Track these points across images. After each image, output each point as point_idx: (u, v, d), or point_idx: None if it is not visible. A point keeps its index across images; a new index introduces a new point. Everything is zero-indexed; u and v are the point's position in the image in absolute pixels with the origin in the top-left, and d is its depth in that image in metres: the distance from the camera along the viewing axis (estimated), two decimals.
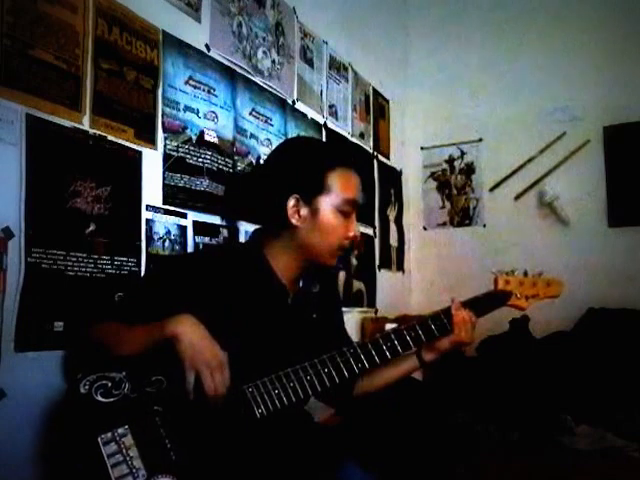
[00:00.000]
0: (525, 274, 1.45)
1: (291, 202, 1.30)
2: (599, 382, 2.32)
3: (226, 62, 1.92)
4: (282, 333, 1.30)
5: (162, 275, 1.31)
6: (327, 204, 1.30)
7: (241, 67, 1.99)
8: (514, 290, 1.43)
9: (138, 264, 1.54)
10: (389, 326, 2.62)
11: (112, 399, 1.07)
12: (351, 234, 1.34)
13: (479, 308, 1.40)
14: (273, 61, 2.17)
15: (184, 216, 1.71)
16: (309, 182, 1.31)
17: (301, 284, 1.40)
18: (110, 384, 1.08)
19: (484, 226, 3.21)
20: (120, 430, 1.05)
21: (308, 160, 1.36)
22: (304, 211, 1.30)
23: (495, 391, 2.42)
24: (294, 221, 1.30)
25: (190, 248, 1.71)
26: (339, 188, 1.31)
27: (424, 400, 2.35)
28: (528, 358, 2.49)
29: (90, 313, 1.29)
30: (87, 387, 1.06)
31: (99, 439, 1.03)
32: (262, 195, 1.39)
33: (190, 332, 1.12)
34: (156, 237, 1.60)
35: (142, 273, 1.55)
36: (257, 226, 1.48)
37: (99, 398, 1.06)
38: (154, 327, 1.13)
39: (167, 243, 1.63)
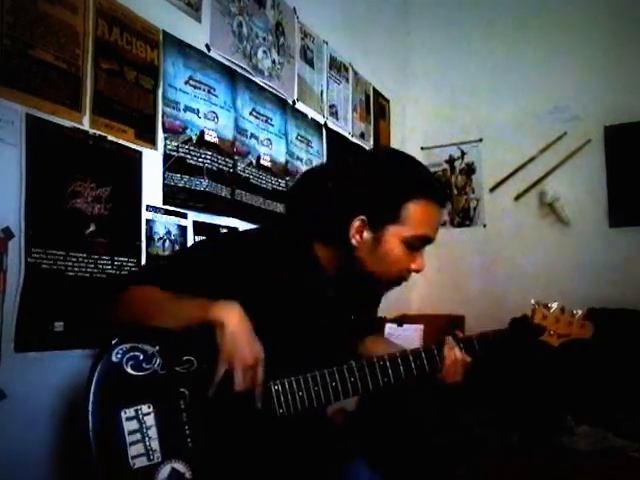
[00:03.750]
0: (562, 310, 1.41)
1: (357, 223, 1.21)
2: (600, 382, 2.32)
3: (226, 62, 1.92)
4: (322, 324, 1.26)
5: (208, 252, 1.25)
6: (395, 235, 1.20)
7: (241, 67, 1.99)
8: (549, 327, 1.40)
9: (138, 264, 1.54)
10: (389, 326, 2.62)
11: (141, 373, 1.06)
12: (413, 267, 1.24)
13: (509, 341, 1.39)
14: (273, 61, 2.17)
15: (184, 216, 1.71)
16: (382, 207, 1.20)
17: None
18: (142, 357, 1.06)
19: (484, 226, 3.20)
20: (144, 408, 1.04)
21: (390, 181, 1.22)
22: (367, 235, 1.21)
23: (495, 391, 2.42)
24: (354, 241, 1.22)
25: None
26: (414, 222, 1.20)
27: (424, 400, 2.35)
28: (528, 358, 2.49)
29: (130, 274, 1.26)
30: (119, 356, 1.05)
31: (122, 413, 1.03)
32: (329, 204, 1.25)
33: (235, 323, 1.08)
34: (156, 237, 1.60)
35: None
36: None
37: (129, 370, 1.05)
38: (200, 305, 1.10)
39: (167, 243, 1.63)
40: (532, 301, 1.41)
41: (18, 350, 1.24)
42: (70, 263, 1.35)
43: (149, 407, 1.05)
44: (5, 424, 1.21)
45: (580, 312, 1.43)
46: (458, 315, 2.97)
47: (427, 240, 1.24)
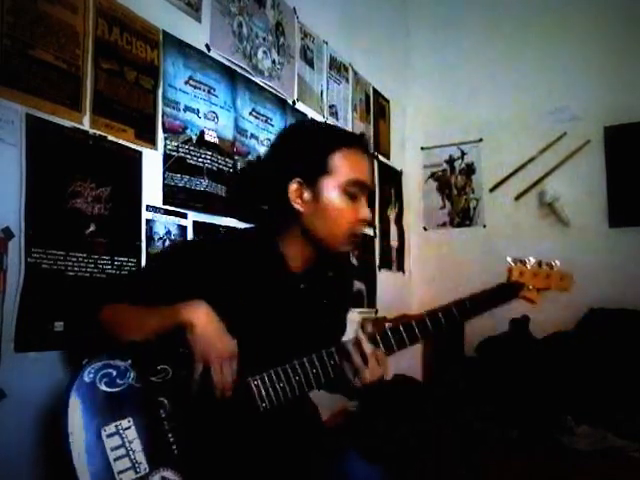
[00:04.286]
0: (539, 264, 1.39)
1: (293, 186, 1.26)
2: (599, 382, 2.32)
3: (226, 62, 1.91)
4: (292, 319, 1.28)
5: (175, 258, 1.29)
6: (331, 186, 1.25)
7: (241, 67, 1.99)
8: (527, 282, 1.37)
9: (138, 264, 1.54)
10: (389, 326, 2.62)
11: (116, 389, 1.06)
12: (361, 217, 1.27)
13: (488, 302, 1.35)
14: (273, 61, 2.17)
15: (184, 216, 1.70)
16: (311, 164, 1.26)
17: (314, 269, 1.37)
18: (115, 373, 1.07)
19: (484, 226, 3.20)
20: (123, 423, 1.04)
21: (310, 141, 1.31)
22: (307, 195, 1.26)
23: (495, 392, 2.42)
24: (297, 206, 1.26)
25: None
26: (343, 169, 1.26)
27: (424, 399, 2.35)
28: (528, 358, 2.49)
29: (102, 293, 1.26)
30: (92, 375, 1.05)
31: (102, 431, 1.02)
32: (265, 182, 1.35)
33: (204, 321, 1.10)
34: (156, 237, 1.60)
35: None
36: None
37: (103, 387, 1.05)
38: (167, 312, 1.12)
39: (167, 243, 1.63)
40: (508, 259, 1.38)
41: (18, 350, 1.24)
42: (70, 263, 1.35)
43: (129, 421, 1.05)
44: (5, 424, 1.21)
45: (558, 263, 1.40)
46: None
47: (362, 185, 1.28)
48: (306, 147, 1.30)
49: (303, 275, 1.33)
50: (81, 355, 1.10)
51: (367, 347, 1.21)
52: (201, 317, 1.11)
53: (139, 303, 1.15)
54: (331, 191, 1.26)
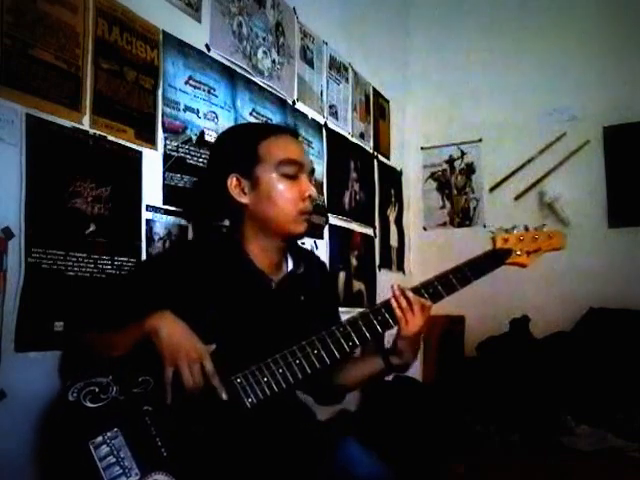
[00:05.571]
0: (526, 229, 1.40)
1: (232, 182, 1.31)
2: (599, 382, 2.32)
3: (226, 62, 1.91)
4: (268, 320, 1.29)
5: (143, 277, 1.32)
6: (266, 171, 1.30)
7: (241, 67, 1.99)
8: (513, 247, 1.38)
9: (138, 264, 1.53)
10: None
11: (101, 404, 1.08)
12: (305, 194, 1.31)
13: (477, 270, 1.37)
14: (273, 61, 2.17)
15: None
16: (242, 157, 1.32)
17: (290, 268, 1.39)
18: (98, 389, 1.09)
19: (484, 226, 3.20)
20: (110, 433, 1.05)
21: (238, 138, 1.40)
22: (247, 186, 1.31)
23: (495, 391, 2.42)
24: (242, 200, 1.31)
25: None
26: (273, 153, 1.31)
27: (425, 400, 2.35)
28: (528, 358, 2.49)
29: (75, 324, 1.29)
30: (75, 394, 1.08)
31: (90, 444, 1.04)
32: (208, 188, 1.44)
33: (168, 326, 1.12)
34: (156, 237, 1.60)
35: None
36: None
37: (88, 404, 1.07)
38: (134, 326, 1.15)
39: (167, 244, 1.63)
40: (491, 228, 1.42)
41: (18, 350, 1.24)
42: (70, 263, 1.35)
43: (116, 431, 1.06)
44: (5, 424, 1.20)
45: (546, 225, 1.42)
46: (458, 315, 2.97)
47: (296, 163, 1.32)
48: (235, 143, 1.38)
49: (275, 272, 1.36)
50: (65, 377, 1.14)
51: (410, 294, 1.26)
52: (166, 322, 1.13)
53: (111, 329, 1.18)
54: (268, 175, 1.30)
